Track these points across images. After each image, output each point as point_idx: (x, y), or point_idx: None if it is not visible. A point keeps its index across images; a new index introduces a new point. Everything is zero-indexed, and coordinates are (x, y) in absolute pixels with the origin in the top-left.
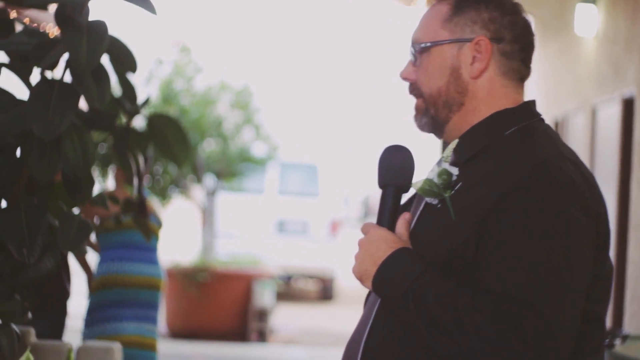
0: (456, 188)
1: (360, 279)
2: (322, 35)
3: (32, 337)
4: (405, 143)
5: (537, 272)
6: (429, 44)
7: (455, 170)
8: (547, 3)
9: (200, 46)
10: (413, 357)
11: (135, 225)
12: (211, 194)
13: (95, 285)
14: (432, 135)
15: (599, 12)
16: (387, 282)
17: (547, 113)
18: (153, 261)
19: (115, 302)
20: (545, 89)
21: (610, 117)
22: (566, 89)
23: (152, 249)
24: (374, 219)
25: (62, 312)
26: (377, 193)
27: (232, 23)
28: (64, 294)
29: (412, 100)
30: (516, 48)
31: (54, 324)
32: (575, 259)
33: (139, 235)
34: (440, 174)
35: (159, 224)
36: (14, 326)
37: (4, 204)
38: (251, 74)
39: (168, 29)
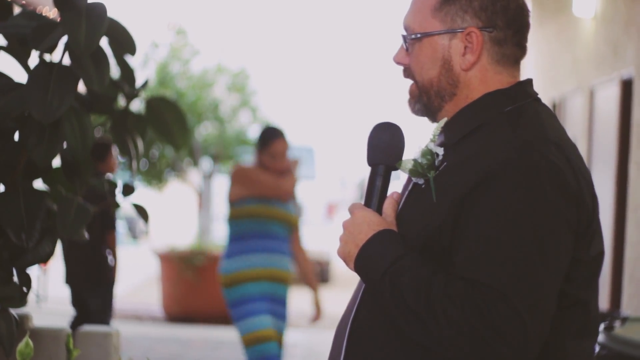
0: (440, 169)
1: (344, 260)
2: (318, 17)
3: (31, 322)
4: (397, 121)
5: (508, 258)
6: (419, 35)
7: (440, 150)
8: None
9: (196, 29)
10: (394, 340)
11: (266, 214)
12: (208, 177)
13: (228, 281)
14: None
15: None
16: (367, 265)
17: (545, 94)
18: (285, 252)
19: (250, 297)
20: (543, 70)
21: (609, 99)
22: (564, 70)
23: (285, 239)
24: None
25: (110, 287)
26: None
27: (229, 5)
28: (109, 270)
29: (407, 83)
30: (509, 33)
31: (105, 299)
32: (549, 245)
33: (272, 225)
34: (424, 154)
35: (297, 213)
36: (12, 311)
37: (2, 188)
38: (248, 57)
39: (164, 12)
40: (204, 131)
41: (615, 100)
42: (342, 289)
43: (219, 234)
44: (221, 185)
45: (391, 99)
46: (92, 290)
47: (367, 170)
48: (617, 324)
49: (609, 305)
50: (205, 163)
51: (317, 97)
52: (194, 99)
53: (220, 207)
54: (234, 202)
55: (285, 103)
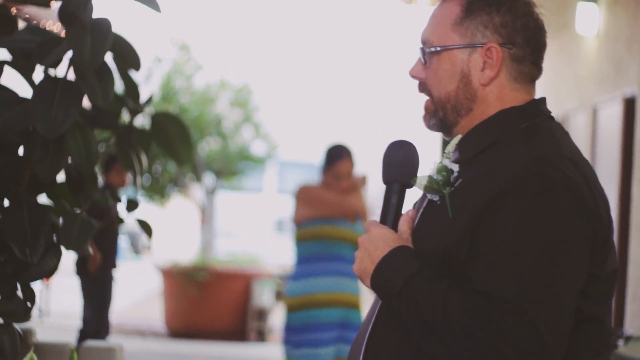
0: (456, 185)
1: (361, 277)
2: (321, 34)
3: (35, 337)
4: (408, 139)
5: (525, 271)
6: (438, 49)
7: (455, 167)
8: (548, 1)
9: (199, 44)
10: (410, 356)
11: (333, 235)
12: (210, 192)
13: (294, 304)
14: (434, 133)
15: (600, 11)
16: (383, 281)
17: None
18: (355, 275)
19: (318, 325)
20: (546, 88)
21: (612, 117)
22: (567, 88)
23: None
24: (370, 217)
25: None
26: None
27: (232, 21)
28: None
29: (422, 99)
30: (528, 51)
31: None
32: (566, 260)
33: (339, 246)
34: (439, 170)
35: None
36: (16, 326)
37: (6, 202)
38: (250, 72)
39: (167, 27)
40: (206, 146)
41: (618, 118)
42: None
43: (222, 250)
44: (224, 200)
45: (395, 116)
46: (85, 299)
47: (368, 187)
48: (620, 342)
49: (612, 324)
50: (208, 178)
51: (319, 113)
52: (197, 114)
53: (223, 222)
54: (299, 223)
55: (288, 119)
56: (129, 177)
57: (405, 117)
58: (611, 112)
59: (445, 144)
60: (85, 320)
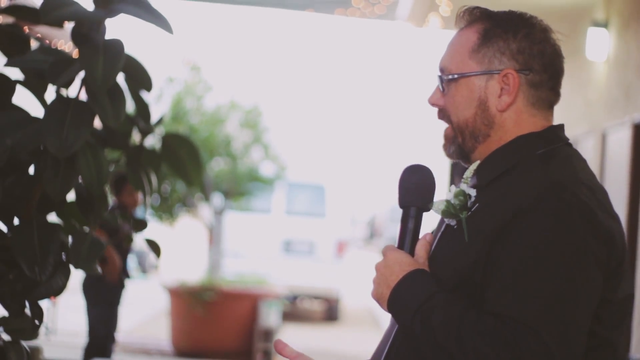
0: (473, 209)
1: (378, 301)
2: (331, 56)
3: (42, 355)
4: (424, 163)
5: (539, 293)
6: (456, 76)
7: (472, 192)
8: (558, 26)
9: (210, 65)
10: None
11: None
12: (219, 213)
13: None
14: (443, 158)
15: (610, 37)
16: (399, 304)
17: None
18: None
19: None
20: (556, 112)
21: (620, 142)
22: (576, 113)
23: None
24: (379, 240)
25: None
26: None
27: (242, 43)
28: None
29: (443, 126)
30: (545, 77)
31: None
32: (580, 283)
33: None
34: (457, 195)
35: None
36: (23, 343)
37: (16, 221)
38: (260, 94)
39: (179, 48)
40: (215, 167)
41: (627, 143)
42: (351, 328)
43: (229, 270)
44: (232, 220)
45: (402, 138)
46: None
47: (376, 209)
48: None
49: (625, 349)
50: (217, 199)
51: (328, 135)
52: (206, 135)
53: (231, 242)
54: None
55: (297, 140)
56: (140, 196)
57: (414, 139)
58: (620, 137)
59: (454, 168)
60: (92, 326)
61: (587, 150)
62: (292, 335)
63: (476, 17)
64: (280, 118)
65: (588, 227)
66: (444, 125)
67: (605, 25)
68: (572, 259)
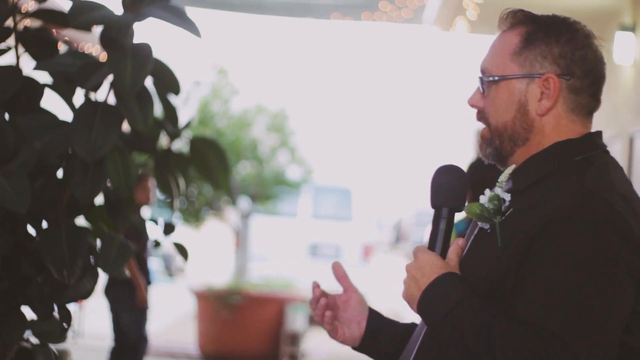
0: (507, 214)
1: (408, 303)
2: (357, 60)
3: (70, 358)
4: (456, 163)
5: (569, 303)
6: (497, 78)
7: (507, 197)
8: None
9: (237, 69)
10: None
11: None
12: (245, 216)
13: None
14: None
15: (638, 41)
16: (429, 308)
17: None
18: None
19: None
20: None
21: None
22: (603, 117)
23: None
24: (405, 244)
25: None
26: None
27: (269, 47)
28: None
29: (481, 127)
30: (586, 83)
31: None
32: (612, 293)
33: None
34: (491, 199)
35: None
36: (52, 346)
37: (45, 224)
38: (287, 97)
39: (206, 51)
40: (242, 171)
41: None
42: None
43: (256, 274)
44: (258, 224)
45: (429, 143)
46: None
47: (402, 212)
48: None
49: None
50: (243, 202)
51: (354, 138)
52: (233, 139)
53: (257, 246)
54: None
55: (324, 144)
56: (155, 194)
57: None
58: None
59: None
60: (126, 331)
61: (614, 154)
62: (318, 340)
63: (519, 19)
64: (306, 122)
65: (621, 238)
66: (473, 128)
67: (632, 29)
68: (603, 270)
